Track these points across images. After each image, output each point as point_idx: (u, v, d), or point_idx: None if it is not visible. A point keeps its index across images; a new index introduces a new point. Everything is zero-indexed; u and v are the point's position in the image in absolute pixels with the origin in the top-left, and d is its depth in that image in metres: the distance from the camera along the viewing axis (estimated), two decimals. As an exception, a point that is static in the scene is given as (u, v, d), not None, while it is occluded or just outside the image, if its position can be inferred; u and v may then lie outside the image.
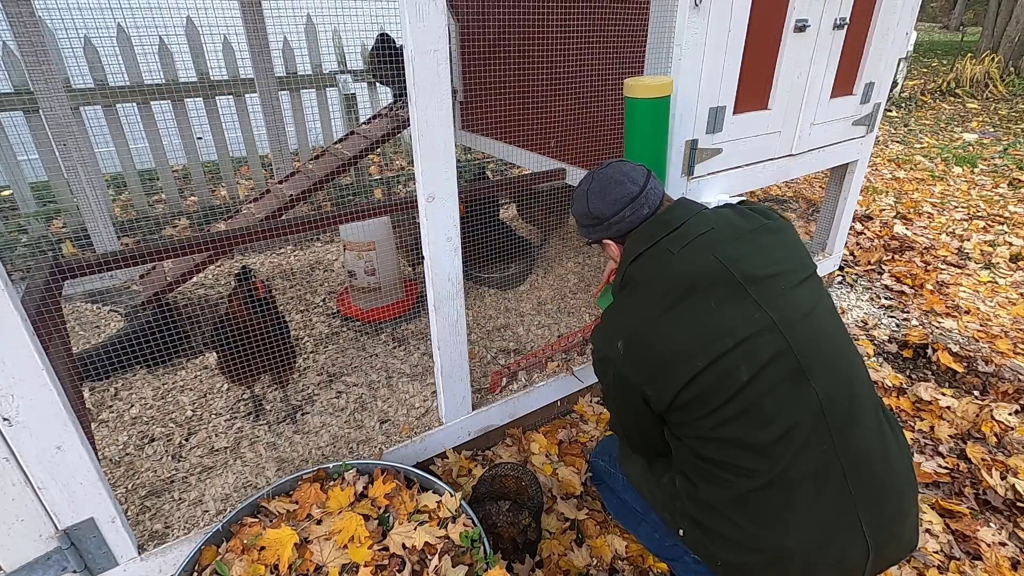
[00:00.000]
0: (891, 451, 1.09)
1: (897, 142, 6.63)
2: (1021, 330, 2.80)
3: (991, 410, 2.20)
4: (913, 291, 3.23)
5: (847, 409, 1.05)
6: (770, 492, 1.03)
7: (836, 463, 1.02)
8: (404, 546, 1.33)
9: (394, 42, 2.50)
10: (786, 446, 1.02)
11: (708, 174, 2.13)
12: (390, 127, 2.56)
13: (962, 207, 4.54)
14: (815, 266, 1.18)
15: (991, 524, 1.80)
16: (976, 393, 2.40)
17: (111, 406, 1.98)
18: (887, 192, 4.89)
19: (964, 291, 3.23)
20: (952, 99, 9.02)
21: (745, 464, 1.04)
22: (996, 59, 10.06)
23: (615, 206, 1.24)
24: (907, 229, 4.03)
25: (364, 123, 2.76)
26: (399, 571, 1.28)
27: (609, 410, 1.35)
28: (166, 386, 2.09)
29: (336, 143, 2.75)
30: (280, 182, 2.71)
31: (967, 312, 3.00)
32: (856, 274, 3.45)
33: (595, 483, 1.62)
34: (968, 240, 3.89)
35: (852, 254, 3.65)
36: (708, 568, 1.21)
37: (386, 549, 1.33)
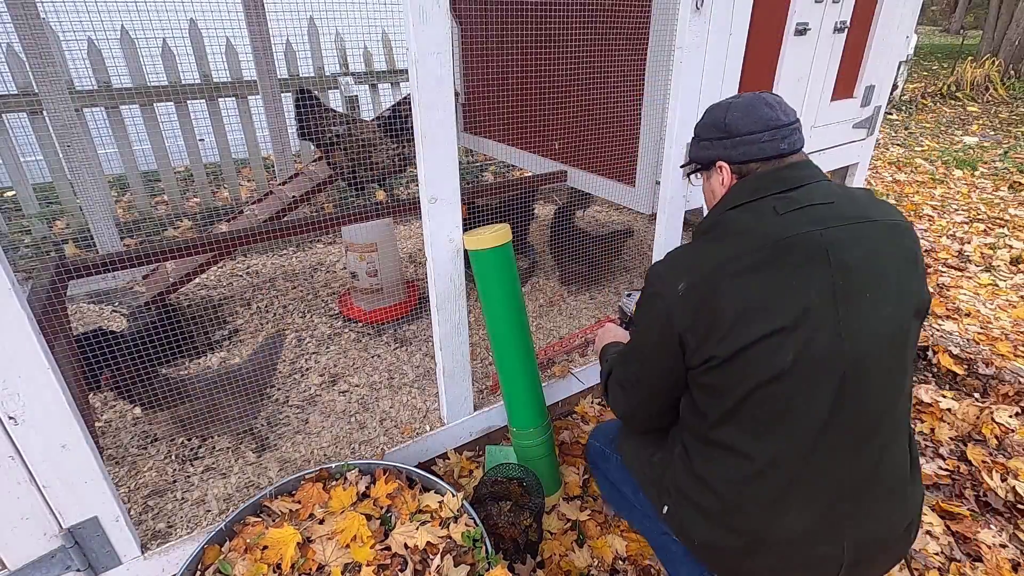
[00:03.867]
0: (906, 492, 1.09)
1: (898, 145, 6.64)
2: (1021, 332, 2.80)
3: (991, 412, 2.20)
4: (914, 293, 3.23)
5: (875, 431, 1.02)
6: (766, 483, 1.02)
7: (848, 478, 1.02)
8: (406, 546, 1.34)
9: (316, 97, 2.35)
10: (801, 446, 1.00)
11: (709, 176, 2.14)
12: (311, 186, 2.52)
13: (962, 210, 4.54)
14: (920, 301, 1.05)
15: (991, 526, 1.80)
16: (976, 395, 2.40)
17: (114, 405, 1.99)
18: (888, 195, 4.89)
19: (965, 294, 3.23)
20: (953, 102, 9.03)
21: (753, 452, 1.02)
22: (996, 62, 10.08)
23: (756, 125, 1.10)
24: (908, 232, 4.03)
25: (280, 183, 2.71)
26: (401, 571, 1.29)
27: (626, 362, 1.25)
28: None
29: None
30: (282, 183, 2.72)
31: (967, 315, 3.00)
32: (857, 276, 3.45)
33: (590, 466, 1.65)
34: (969, 243, 3.90)
35: (853, 256, 3.65)
36: (687, 550, 1.21)
37: (388, 549, 1.34)
